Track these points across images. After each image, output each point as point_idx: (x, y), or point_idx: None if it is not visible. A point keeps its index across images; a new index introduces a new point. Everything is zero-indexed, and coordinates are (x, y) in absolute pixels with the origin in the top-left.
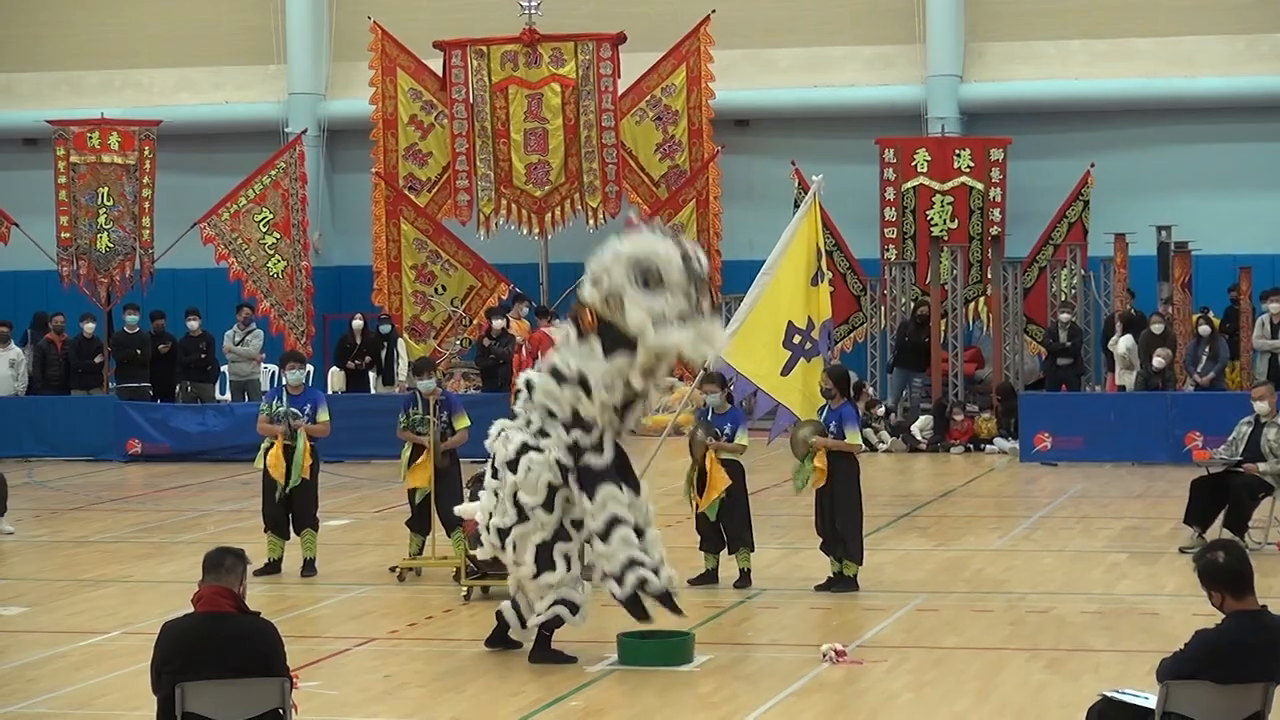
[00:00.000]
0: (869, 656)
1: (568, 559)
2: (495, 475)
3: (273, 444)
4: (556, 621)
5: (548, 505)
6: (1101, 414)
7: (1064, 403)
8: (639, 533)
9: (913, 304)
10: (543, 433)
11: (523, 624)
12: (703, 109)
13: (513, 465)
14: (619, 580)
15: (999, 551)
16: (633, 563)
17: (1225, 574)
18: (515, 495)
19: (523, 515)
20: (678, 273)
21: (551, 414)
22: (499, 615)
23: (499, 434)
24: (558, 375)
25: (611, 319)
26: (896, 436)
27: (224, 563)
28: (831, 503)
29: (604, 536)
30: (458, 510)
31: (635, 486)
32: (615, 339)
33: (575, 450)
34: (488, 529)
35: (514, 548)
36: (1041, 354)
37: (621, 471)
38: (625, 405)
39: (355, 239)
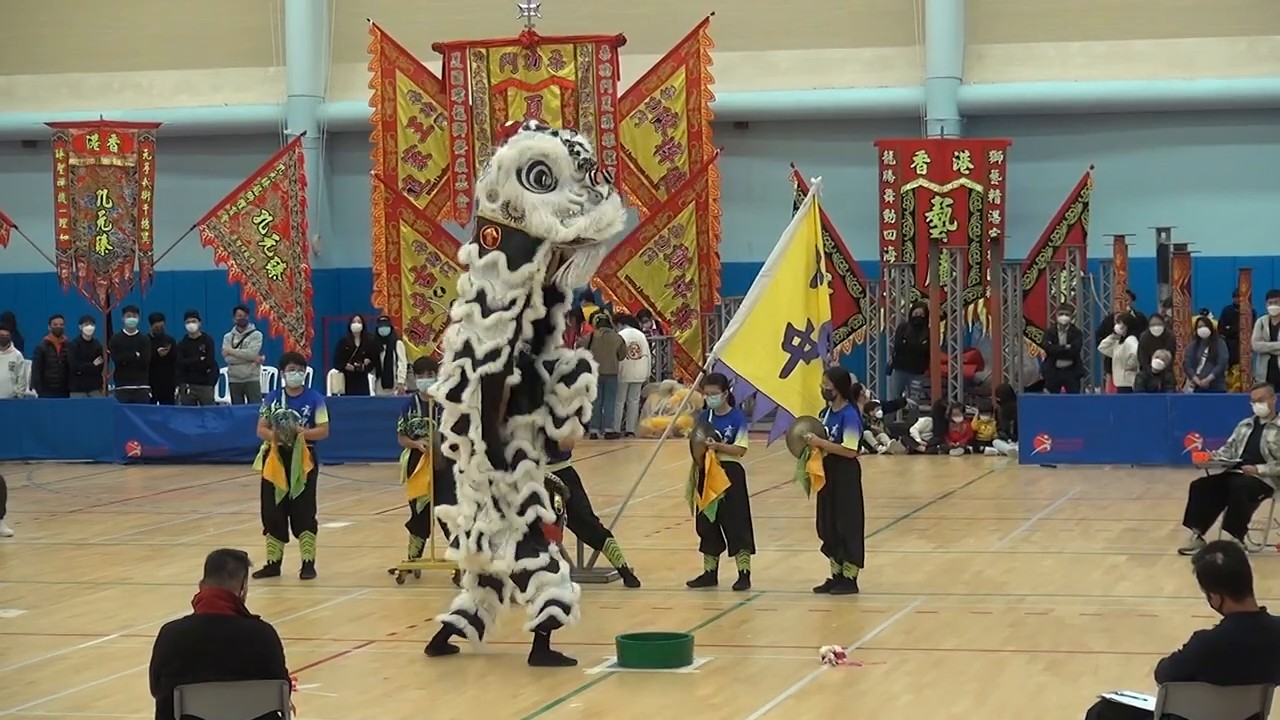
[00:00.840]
0: (868, 658)
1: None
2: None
3: (270, 448)
4: (552, 623)
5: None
6: (1101, 416)
7: (1063, 405)
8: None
9: (910, 306)
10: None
11: (480, 635)
12: (702, 111)
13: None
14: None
15: (998, 553)
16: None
17: (1224, 575)
18: (495, 499)
19: (504, 516)
20: (566, 164)
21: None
22: (445, 625)
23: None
24: (463, 295)
25: (516, 228)
26: (895, 438)
27: (226, 566)
28: (833, 505)
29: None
30: (437, 511)
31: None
32: (519, 248)
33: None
34: (468, 534)
35: (490, 545)
36: (1041, 356)
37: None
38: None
39: (354, 241)
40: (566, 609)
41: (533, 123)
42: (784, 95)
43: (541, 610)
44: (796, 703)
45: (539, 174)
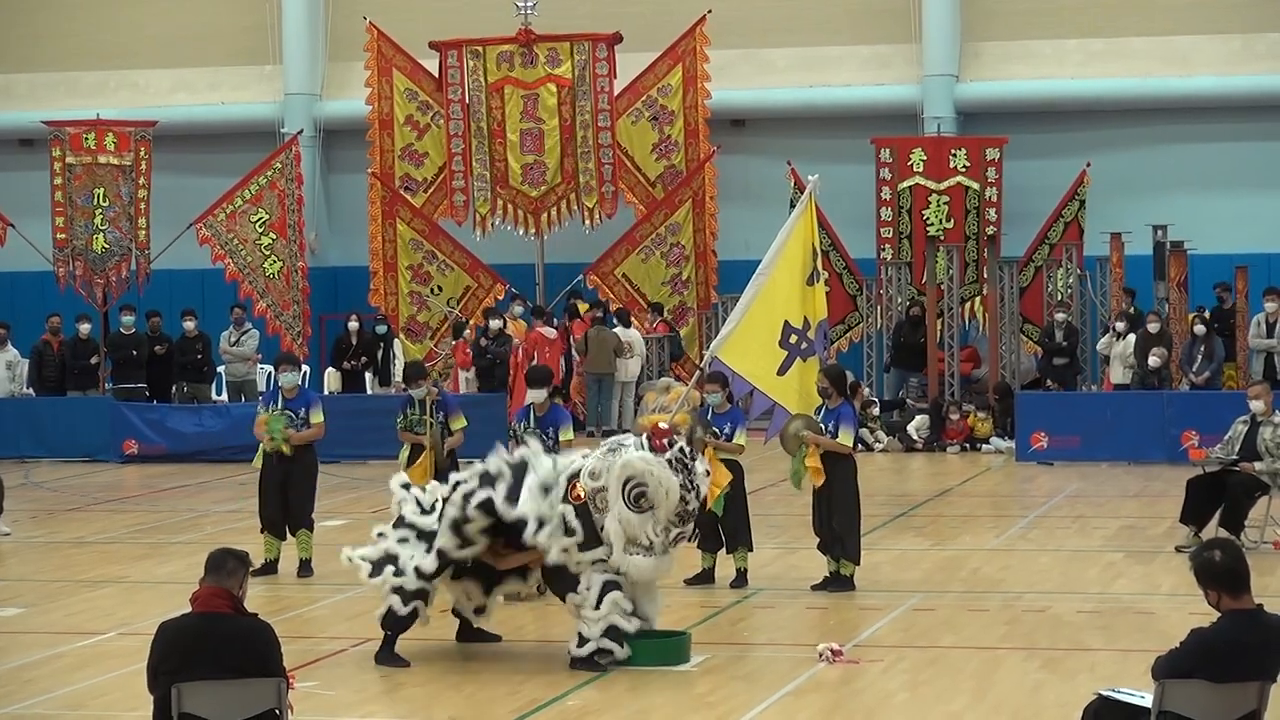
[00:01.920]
0: (865, 656)
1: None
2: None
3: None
4: (391, 618)
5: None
6: (1098, 413)
7: (1060, 402)
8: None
9: (907, 304)
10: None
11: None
12: (699, 109)
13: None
14: (583, 642)
15: (995, 551)
16: (611, 631)
17: (1222, 573)
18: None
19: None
20: (668, 508)
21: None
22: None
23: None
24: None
25: (593, 512)
26: (893, 436)
27: (225, 565)
28: (829, 502)
29: (595, 605)
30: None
31: None
32: (590, 535)
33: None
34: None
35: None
36: (1038, 353)
37: None
38: None
39: (351, 239)
40: (407, 600)
41: (685, 446)
42: (781, 93)
43: (389, 596)
44: (794, 700)
45: (640, 498)
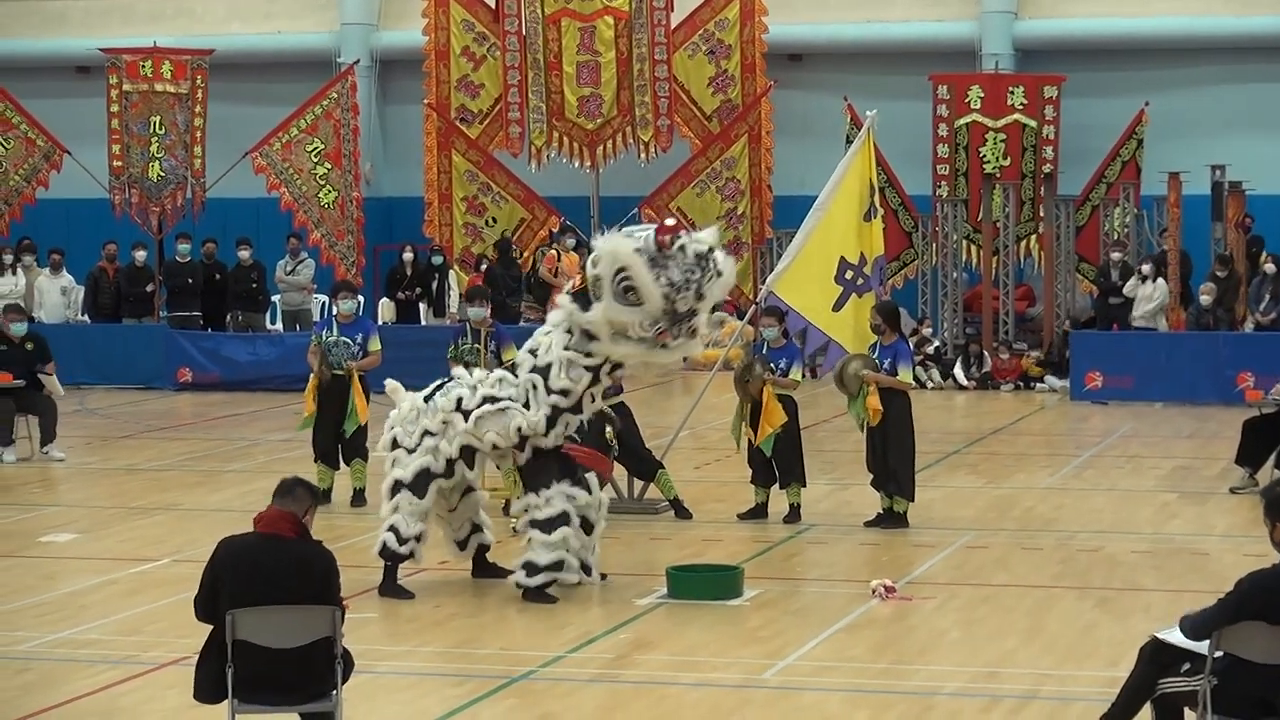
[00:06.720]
0: (918, 593)
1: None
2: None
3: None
4: (384, 552)
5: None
6: (1153, 353)
7: (1115, 342)
8: (587, 527)
9: None
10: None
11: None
12: (755, 43)
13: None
14: (534, 571)
15: (1049, 490)
16: (558, 565)
17: None
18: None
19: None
20: (655, 302)
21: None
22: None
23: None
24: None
25: (592, 299)
26: (946, 378)
27: (294, 492)
28: (884, 439)
29: (548, 528)
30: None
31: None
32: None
33: (552, 416)
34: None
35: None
36: (1093, 293)
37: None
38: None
39: (406, 170)
40: (402, 541)
41: (694, 245)
42: (838, 28)
43: (384, 533)
44: (846, 636)
45: (627, 290)
